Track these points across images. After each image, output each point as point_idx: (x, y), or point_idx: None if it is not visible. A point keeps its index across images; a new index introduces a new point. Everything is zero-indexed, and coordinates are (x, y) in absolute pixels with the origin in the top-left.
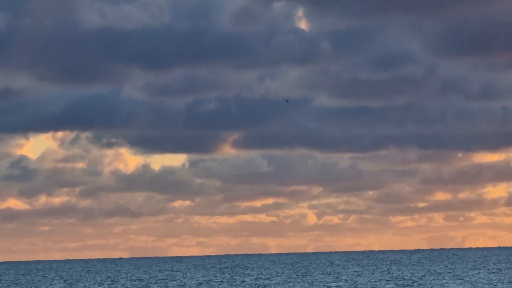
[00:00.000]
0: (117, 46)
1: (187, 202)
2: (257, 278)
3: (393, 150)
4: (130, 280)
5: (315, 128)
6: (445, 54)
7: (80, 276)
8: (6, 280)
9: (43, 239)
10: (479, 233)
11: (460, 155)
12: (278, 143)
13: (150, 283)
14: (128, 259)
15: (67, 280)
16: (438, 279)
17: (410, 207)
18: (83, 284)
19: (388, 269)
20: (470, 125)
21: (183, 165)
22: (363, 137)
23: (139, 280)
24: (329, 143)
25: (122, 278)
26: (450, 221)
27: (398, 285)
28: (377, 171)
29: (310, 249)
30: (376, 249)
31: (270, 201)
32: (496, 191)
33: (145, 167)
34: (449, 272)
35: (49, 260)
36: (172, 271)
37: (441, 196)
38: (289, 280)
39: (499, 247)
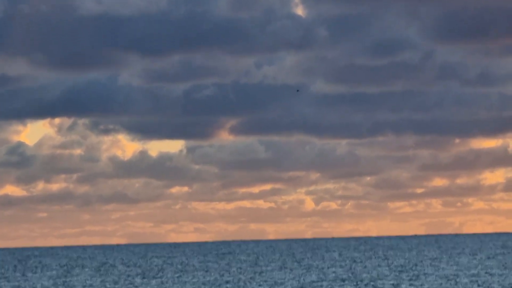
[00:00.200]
0: (114, 32)
1: (185, 188)
2: (254, 264)
3: (391, 136)
4: (127, 266)
5: (313, 114)
6: (442, 40)
7: (77, 262)
8: (2, 267)
9: (41, 226)
10: (476, 219)
11: (457, 141)
12: (275, 129)
13: (147, 269)
14: (126, 245)
15: (64, 266)
16: (435, 264)
17: (408, 193)
18: (79, 270)
19: (385, 255)
20: (467, 111)
21: (181, 151)
22: (360, 123)
23: (136, 266)
24: (327, 129)
25: (119, 264)
26: (447, 207)
27: (394, 271)
28: (375, 157)
29: (308, 235)
30: (374, 235)
31: (268, 187)
32: (493, 176)
33: (143, 154)
34: (445, 258)
35: (47, 247)
36: (169, 257)
37: (439, 182)
38: (285, 266)
39: (497, 233)
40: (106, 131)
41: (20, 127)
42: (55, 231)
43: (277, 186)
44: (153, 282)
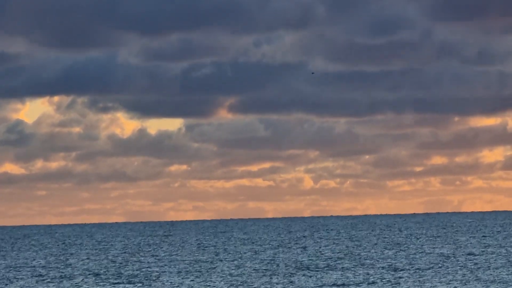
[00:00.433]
0: (112, 11)
1: (184, 167)
2: (252, 243)
3: (390, 115)
4: (125, 244)
5: (312, 92)
6: (441, 18)
7: (75, 239)
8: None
9: (40, 204)
10: (475, 197)
11: (456, 119)
12: (274, 108)
13: (143, 248)
14: (125, 223)
15: (63, 242)
16: (431, 242)
17: (407, 171)
18: (77, 248)
19: (383, 233)
20: (466, 89)
21: (180, 129)
22: (359, 101)
23: (134, 244)
24: (326, 107)
25: (117, 242)
26: (446, 185)
27: (391, 249)
28: (374, 135)
29: (306, 214)
30: (373, 213)
31: (266, 165)
32: (492, 155)
33: (142, 132)
34: (442, 236)
35: (45, 225)
36: (167, 235)
37: (438, 160)
38: (283, 245)
39: (495, 211)
40: (105, 109)
41: (19, 105)
42: (53, 209)
43: (276, 164)
44: (151, 259)
